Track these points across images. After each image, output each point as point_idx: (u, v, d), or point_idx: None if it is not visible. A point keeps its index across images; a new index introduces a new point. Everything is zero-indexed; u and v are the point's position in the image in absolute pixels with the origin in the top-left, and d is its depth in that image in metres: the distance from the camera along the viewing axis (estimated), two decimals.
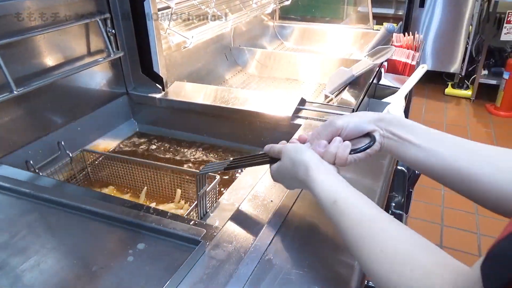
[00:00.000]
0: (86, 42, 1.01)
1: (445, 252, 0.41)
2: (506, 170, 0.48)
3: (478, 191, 0.50)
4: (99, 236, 0.63)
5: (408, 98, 1.66)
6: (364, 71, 1.16)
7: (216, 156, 1.10)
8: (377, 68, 1.34)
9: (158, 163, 0.99)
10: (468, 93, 3.72)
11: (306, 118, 1.01)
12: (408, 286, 0.40)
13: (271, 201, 0.70)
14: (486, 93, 3.63)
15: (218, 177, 0.87)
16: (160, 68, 1.13)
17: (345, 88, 1.17)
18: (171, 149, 1.13)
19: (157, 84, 1.15)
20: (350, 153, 0.59)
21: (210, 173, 0.84)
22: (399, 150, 0.58)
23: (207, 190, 0.83)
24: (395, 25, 2.08)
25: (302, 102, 1.06)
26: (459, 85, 3.79)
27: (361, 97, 1.12)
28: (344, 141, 0.60)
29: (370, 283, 0.59)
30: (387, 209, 0.91)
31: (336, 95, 1.18)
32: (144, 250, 0.59)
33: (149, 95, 1.15)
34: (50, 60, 0.93)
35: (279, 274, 0.53)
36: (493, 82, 3.56)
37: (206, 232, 0.61)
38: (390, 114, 0.62)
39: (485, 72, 3.66)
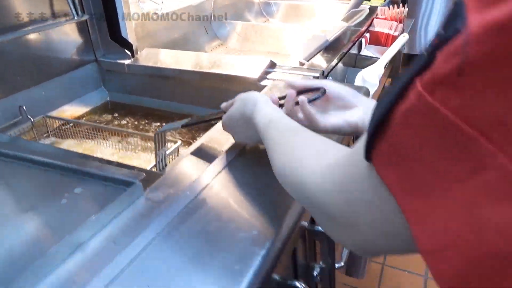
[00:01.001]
0: (48, 3, 0.99)
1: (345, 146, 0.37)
2: None
3: None
4: (36, 182, 0.61)
5: (394, 70, 1.62)
6: (338, 34, 1.13)
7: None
8: (356, 38, 1.30)
9: (120, 128, 0.96)
10: None
11: (274, 79, 0.98)
12: (294, 168, 0.39)
13: (222, 150, 0.67)
14: None
15: (179, 141, 0.85)
16: (129, 33, 1.10)
17: (318, 53, 1.14)
18: (141, 116, 1.11)
19: (126, 50, 1.12)
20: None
21: (171, 136, 0.82)
22: None
23: (167, 153, 0.81)
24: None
25: (272, 65, 1.04)
26: None
27: (335, 61, 1.09)
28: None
29: (306, 224, 0.57)
30: None
31: (309, 61, 1.15)
32: (80, 194, 0.57)
33: (118, 61, 1.12)
34: (4, 19, 0.90)
35: (210, 212, 0.51)
36: None
37: (147, 176, 0.59)
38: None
39: None
